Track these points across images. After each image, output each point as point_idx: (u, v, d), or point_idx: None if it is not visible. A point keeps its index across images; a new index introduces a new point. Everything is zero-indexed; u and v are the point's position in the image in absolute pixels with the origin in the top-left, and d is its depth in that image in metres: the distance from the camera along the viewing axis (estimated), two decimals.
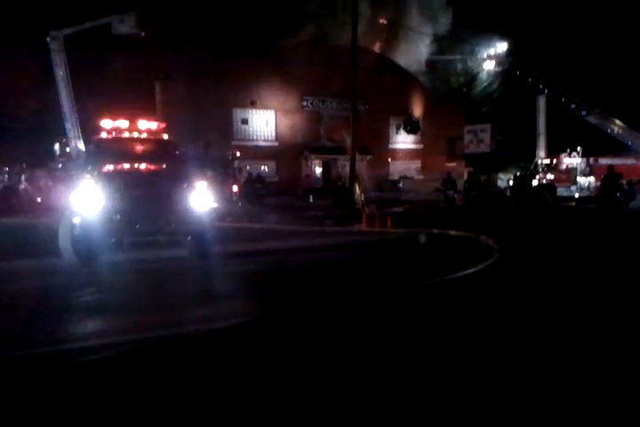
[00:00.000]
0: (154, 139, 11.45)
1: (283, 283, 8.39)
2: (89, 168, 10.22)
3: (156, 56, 33.84)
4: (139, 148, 11.10)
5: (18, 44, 30.31)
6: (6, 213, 19.78)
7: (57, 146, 12.69)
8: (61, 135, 19.40)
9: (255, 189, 22.65)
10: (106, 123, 11.22)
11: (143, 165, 10.32)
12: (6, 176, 25.17)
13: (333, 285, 8.37)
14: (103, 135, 11.26)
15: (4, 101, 30.14)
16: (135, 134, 11.24)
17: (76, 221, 8.97)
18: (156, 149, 11.12)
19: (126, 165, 10.22)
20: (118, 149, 10.78)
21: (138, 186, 9.28)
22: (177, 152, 11.17)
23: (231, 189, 20.46)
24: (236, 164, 22.32)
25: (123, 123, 11.24)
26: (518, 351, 5.16)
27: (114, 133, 11.14)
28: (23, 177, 23.50)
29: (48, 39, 26.43)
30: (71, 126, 27.33)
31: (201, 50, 34.36)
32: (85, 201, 8.97)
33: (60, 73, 26.69)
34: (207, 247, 9.57)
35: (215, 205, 10.42)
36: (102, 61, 34.21)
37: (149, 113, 32.70)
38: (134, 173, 10.11)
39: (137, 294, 7.64)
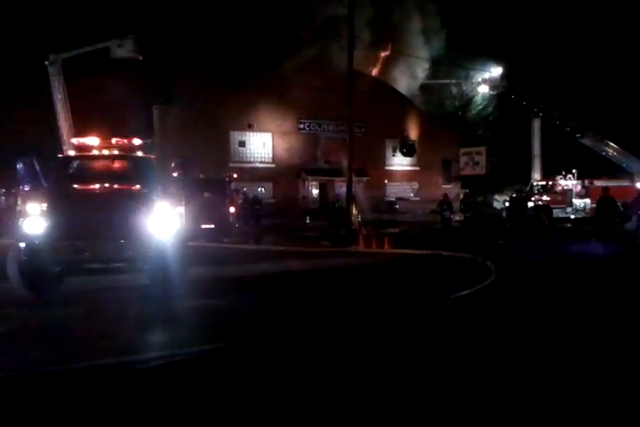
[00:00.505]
0: (122, 156, 10.19)
1: (235, 319, 7.33)
2: (42, 189, 9.62)
3: (155, 80, 34.16)
4: (102, 166, 9.98)
5: (17, 66, 30.60)
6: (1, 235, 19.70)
7: (20, 166, 11.69)
8: (24, 155, 18.13)
9: (252, 210, 22.68)
10: (76, 140, 10.33)
11: (99, 186, 9.28)
12: (2, 198, 25.13)
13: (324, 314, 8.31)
14: (71, 153, 10.37)
15: (2, 123, 30.30)
16: (105, 152, 10.07)
17: (23, 246, 8.31)
18: (122, 168, 10.00)
19: (79, 186, 9.26)
20: (80, 168, 9.86)
21: (89, 209, 8.49)
22: (150, 171, 9.85)
23: (228, 210, 20.47)
24: (233, 185, 22.36)
25: (93, 140, 10.08)
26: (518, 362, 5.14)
27: (82, 152, 10.09)
28: (19, 199, 23.47)
29: (46, 63, 26.67)
30: (68, 148, 27.43)
31: (199, 73, 34.73)
32: (31, 225, 8.31)
33: (59, 96, 26.88)
34: (169, 275, 8.39)
35: (177, 226, 9.21)
36: (100, 85, 34.50)
37: (147, 136, 32.93)
38: (87, 194, 9.22)
39: (60, 328, 6.95)
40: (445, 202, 21.56)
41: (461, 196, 28.99)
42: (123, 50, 26.95)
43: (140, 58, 27.88)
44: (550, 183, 30.71)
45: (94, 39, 27.76)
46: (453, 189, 37.05)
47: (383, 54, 42.73)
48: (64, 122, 27.07)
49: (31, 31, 34.44)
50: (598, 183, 28.54)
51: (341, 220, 21.11)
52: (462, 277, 10.60)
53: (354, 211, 20.49)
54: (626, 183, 29.52)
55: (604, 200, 14.86)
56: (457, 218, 22.81)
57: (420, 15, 43.38)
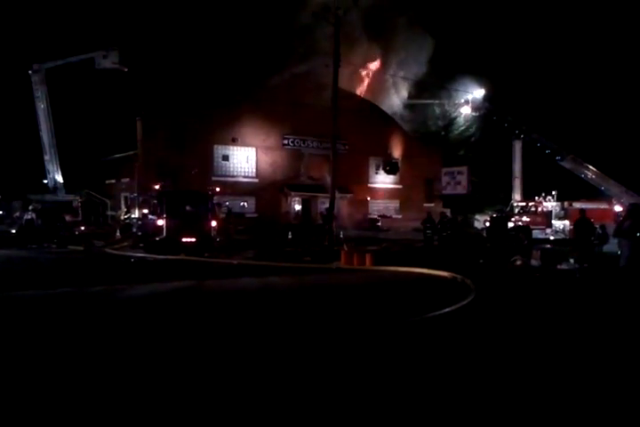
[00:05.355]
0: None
1: None
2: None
3: (138, 92, 34.09)
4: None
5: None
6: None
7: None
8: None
9: (233, 224, 22.55)
10: None
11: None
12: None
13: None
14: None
15: None
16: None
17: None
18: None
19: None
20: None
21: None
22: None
23: (210, 224, 20.32)
24: (215, 199, 22.24)
25: None
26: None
27: None
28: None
29: (30, 72, 26.47)
30: (50, 159, 27.17)
31: (184, 87, 34.73)
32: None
33: (42, 106, 26.66)
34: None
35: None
36: (84, 96, 34.32)
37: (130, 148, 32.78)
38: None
39: None
40: (429, 220, 21.65)
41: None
42: (107, 61, 26.90)
43: (125, 69, 27.82)
44: (530, 204, 31.02)
45: (79, 50, 27.68)
46: (436, 208, 37.25)
47: (368, 73, 43.17)
48: (46, 131, 26.81)
49: (15, 40, 34.27)
50: (577, 205, 28.85)
51: (324, 236, 21.10)
52: (441, 295, 10.59)
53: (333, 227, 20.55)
54: (604, 206, 29.94)
55: (581, 222, 15.01)
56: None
57: (406, 35, 43.92)
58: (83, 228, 25.49)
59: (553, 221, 29.87)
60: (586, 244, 14.67)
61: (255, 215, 34.02)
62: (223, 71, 36.91)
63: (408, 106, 44.96)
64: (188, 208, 20.56)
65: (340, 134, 24.54)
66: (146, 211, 23.01)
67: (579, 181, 34.08)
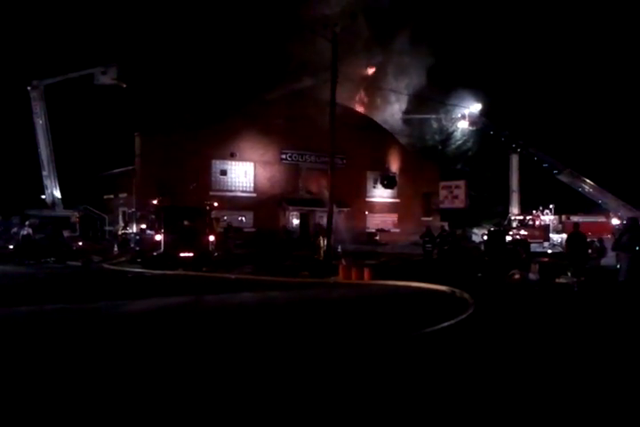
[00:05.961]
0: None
1: None
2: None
3: (137, 108, 34.24)
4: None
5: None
6: None
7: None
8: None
9: (232, 238, 22.53)
10: None
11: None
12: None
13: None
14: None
15: None
16: None
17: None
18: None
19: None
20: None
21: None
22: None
23: (208, 238, 20.29)
24: (213, 214, 22.24)
25: None
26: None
27: None
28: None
29: (29, 88, 26.61)
30: (48, 174, 27.22)
31: (182, 102, 34.91)
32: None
33: (40, 122, 26.77)
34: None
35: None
36: (82, 112, 34.44)
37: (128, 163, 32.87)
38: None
39: None
40: (428, 234, 21.68)
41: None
42: (106, 77, 27.06)
43: (124, 85, 27.98)
44: (528, 218, 31.04)
45: (78, 66, 27.84)
46: (433, 222, 37.29)
47: (366, 88, 43.45)
48: (44, 147, 26.89)
49: (14, 56, 34.46)
50: (574, 219, 28.88)
51: (315, 251, 21.15)
52: (440, 309, 10.56)
53: (322, 243, 20.55)
54: (602, 219, 30.00)
55: (575, 236, 15.02)
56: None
57: (404, 50, 44.32)
58: (81, 243, 25.43)
59: (551, 235, 29.86)
60: (580, 257, 14.66)
61: (253, 230, 34.00)
62: (221, 86, 37.13)
63: (405, 120, 45.21)
64: (185, 223, 20.56)
65: (337, 149, 24.65)
66: (144, 226, 22.99)
67: (576, 195, 34.15)
